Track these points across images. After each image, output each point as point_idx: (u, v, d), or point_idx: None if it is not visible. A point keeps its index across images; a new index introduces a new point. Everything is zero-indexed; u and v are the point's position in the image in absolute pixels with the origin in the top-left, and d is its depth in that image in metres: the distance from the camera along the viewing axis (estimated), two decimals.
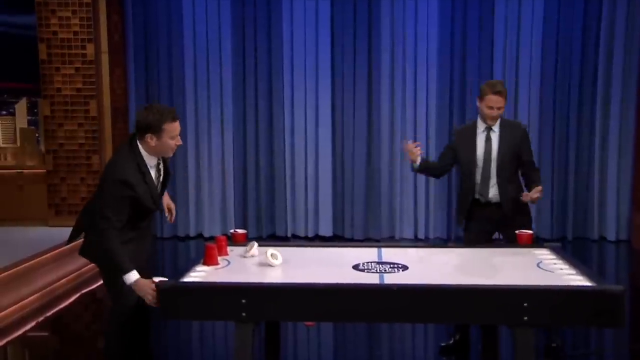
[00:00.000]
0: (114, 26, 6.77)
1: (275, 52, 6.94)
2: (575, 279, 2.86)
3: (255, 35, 6.95)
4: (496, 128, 3.79)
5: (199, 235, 7.21)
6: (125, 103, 7.08)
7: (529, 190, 3.73)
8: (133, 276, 2.92)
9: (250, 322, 2.74)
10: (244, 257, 3.27)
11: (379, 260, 3.26)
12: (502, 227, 3.84)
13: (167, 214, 3.41)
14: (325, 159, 7.03)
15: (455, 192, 6.92)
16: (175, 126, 3.02)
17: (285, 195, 7.08)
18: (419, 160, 3.86)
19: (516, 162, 3.79)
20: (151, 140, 3.00)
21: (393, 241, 6.79)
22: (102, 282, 3.32)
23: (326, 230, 7.09)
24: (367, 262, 3.20)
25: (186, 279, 2.91)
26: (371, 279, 2.94)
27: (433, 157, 6.90)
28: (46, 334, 4.53)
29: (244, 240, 3.50)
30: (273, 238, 7.06)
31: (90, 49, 6.55)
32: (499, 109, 3.73)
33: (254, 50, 6.96)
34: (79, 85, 6.58)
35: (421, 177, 6.96)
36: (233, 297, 2.73)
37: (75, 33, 6.52)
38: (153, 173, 3.09)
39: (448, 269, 3.15)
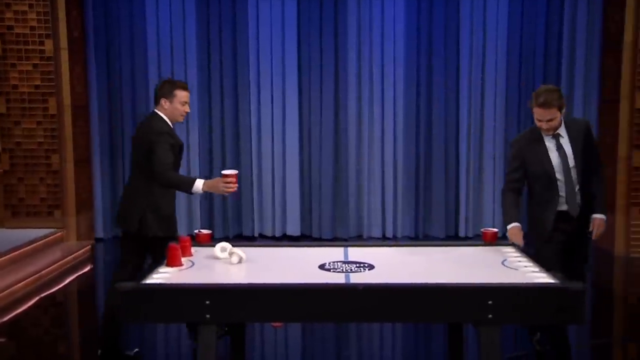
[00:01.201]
0: (74, 22, 6.65)
1: (240, 51, 6.90)
2: (538, 276, 2.91)
3: (220, 33, 6.91)
4: (563, 132, 3.42)
5: None
6: (86, 101, 6.96)
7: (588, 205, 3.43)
8: (199, 183, 3.50)
9: (214, 324, 2.72)
10: (217, 258, 3.24)
11: (345, 260, 3.26)
12: (577, 241, 3.50)
13: None
14: (293, 158, 7.03)
15: (424, 191, 7.00)
16: (185, 94, 3.66)
17: (252, 194, 7.06)
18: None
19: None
20: (165, 103, 3.65)
21: (361, 240, 6.83)
22: (62, 285, 3.33)
23: (294, 229, 7.09)
24: (334, 262, 3.20)
25: (148, 281, 2.87)
26: (337, 278, 2.94)
27: (401, 156, 6.99)
28: (2, 339, 4.42)
29: (209, 241, 3.47)
30: (240, 238, 7.03)
31: (48, 45, 6.42)
32: (549, 121, 3.33)
33: (219, 49, 6.92)
34: (37, 82, 6.45)
35: (389, 176, 7.02)
36: (196, 298, 2.70)
37: (32, 28, 6.37)
38: (176, 133, 3.74)
39: (414, 267, 3.17)
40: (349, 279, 2.93)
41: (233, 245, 3.27)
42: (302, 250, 3.57)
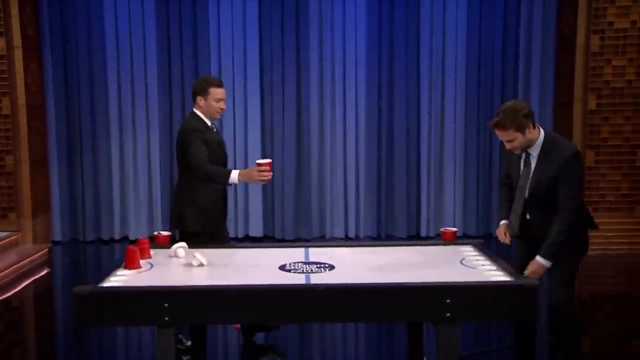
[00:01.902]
0: (27, 19, 6.49)
1: (201, 50, 6.85)
2: (495, 274, 2.97)
3: (180, 32, 6.84)
4: (534, 152, 3.17)
5: (124, 239, 7.03)
6: (42, 100, 6.81)
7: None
8: (234, 174, 3.60)
9: (173, 327, 2.70)
10: (172, 256, 3.21)
11: (306, 261, 3.27)
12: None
13: None
14: (255, 158, 6.98)
15: (386, 192, 7.07)
16: (219, 91, 3.76)
17: None
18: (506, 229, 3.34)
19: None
20: (200, 101, 3.76)
21: (324, 241, 6.85)
22: (18, 289, 3.25)
23: (256, 230, 7.07)
24: (294, 263, 3.20)
25: (106, 284, 2.83)
26: (297, 279, 2.95)
27: (363, 157, 7.04)
28: None
29: (168, 243, 3.44)
30: None
31: (1, 43, 6.25)
32: (509, 141, 3.13)
33: (180, 48, 6.86)
34: None
35: (351, 177, 7.06)
36: (155, 301, 2.67)
37: None
38: (213, 130, 3.83)
39: (374, 267, 3.20)
40: (309, 280, 2.94)
41: (194, 248, 3.25)
42: (263, 251, 3.56)
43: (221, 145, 3.87)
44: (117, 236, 7.02)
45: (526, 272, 3.14)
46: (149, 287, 2.79)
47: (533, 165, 3.19)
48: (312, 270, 3.08)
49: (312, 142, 6.99)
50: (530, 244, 3.28)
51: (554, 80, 6.86)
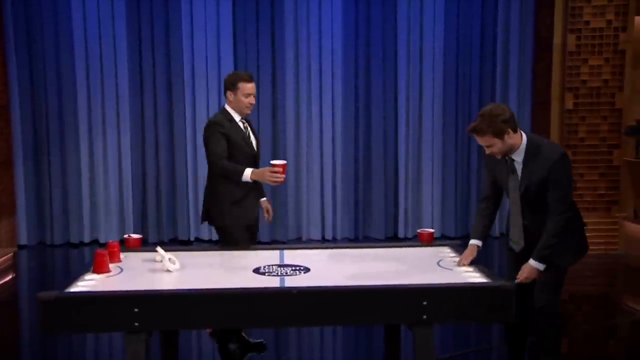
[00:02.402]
0: None
1: (174, 50, 6.79)
2: (472, 276, 3.00)
3: (152, 31, 6.77)
4: (518, 157, 3.12)
5: (94, 242, 6.94)
6: (7, 100, 6.70)
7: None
8: (247, 172, 3.66)
9: (143, 332, 2.67)
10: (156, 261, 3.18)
11: (281, 263, 3.28)
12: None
13: (265, 215, 4.06)
14: None
15: (363, 192, 7.09)
16: (249, 86, 3.77)
17: (187, 197, 6.96)
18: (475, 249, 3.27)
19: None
20: (230, 96, 3.80)
21: (300, 243, 6.84)
22: None
23: None
24: (269, 265, 3.21)
25: (73, 289, 2.79)
26: (271, 282, 2.95)
27: (339, 157, 7.04)
28: None
29: (138, 246, 3.42)
30: (175, 242, 6.92)
31: None
32: (488, 147, 3.10)
33: (151, 47, 6.78)
34: None
35: (328, 178, 7.06)
36: (124, 306, 2.65)
37: None
38: (240, 126, 3.83)
39: (350, 270, 3.21)
40: (283, 283, 2.94)
41: (167, 250, 3.22)
42: (238, 254, 3.55)
43: (248, 141, 3.84)
44: (86, 239, 6.93)
45: (519, 277, 3.10)
46: (118, 291, 2.76)
47: (519, 172, 3.14)
48: (286, 273, 3.08)
49: (287, 142, 6.98)
50: (521, 256, 3.23)
51: (531, 80, 6.95)
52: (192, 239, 7.00)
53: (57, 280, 6.08)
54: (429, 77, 7.01)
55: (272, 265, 3.22)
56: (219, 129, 3.73)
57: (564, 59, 6.40)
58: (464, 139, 7.08)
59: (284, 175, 3.59)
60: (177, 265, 3.11)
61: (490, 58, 6.99)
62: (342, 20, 6.89)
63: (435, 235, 3.90)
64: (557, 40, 6.42)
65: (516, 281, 3.06)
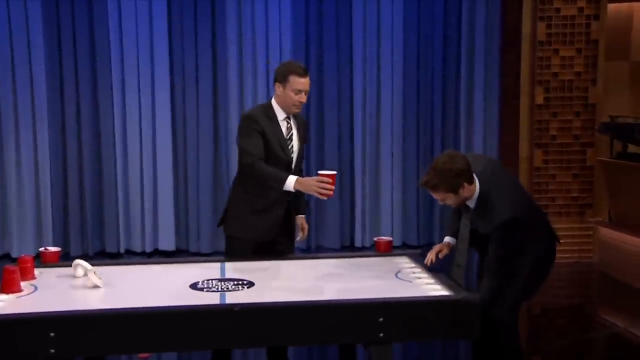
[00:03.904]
0: None
1: (99, 45, 6.67)
2: (433, 288, 3.04)
3: (73, 28, 6.63)
4: (471, 204, 3.27)
5: (5, 256, 6.75)
6: None
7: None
8: (291, 179, 3.49)
9: None
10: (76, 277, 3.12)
11: (222, 277, 3.26)
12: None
13: (298, 233, 3.90)
14: (165, 163, 6.88)
15: (317, 198, 7.06)
16: (301, 81, 3.59)
17: (116, 205, 6.84)
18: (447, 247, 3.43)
19: None
20: (278, 89, 3.64)
21: None
22: None
23: (167, 244, 6.95)
24: (208, 280, 3.19)
25: None
26: (210, 299, 2.93)
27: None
28: None
29: (56, 260, 3.35)
30: (102, 255, 6.79)
31: None
32: (442, 200, 3.23)
33: (72, 44, 6.64)
34: None
35: None
36: (38, 330, 2.59)
37: None
38: (283, 126, 3.67)
39: (299, 283, 3.22)
40: (224, 299, 2.93)
41: (92, 265, 3.17)
42: (173, 268, 3.54)
43: (284, 144, 3.65)
44: None
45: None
46: (31, 313, 2.69)
47: (469, 221, 3.27)
48: (227, 288, 3.06)
49: (230, 145, 6.90)
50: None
51: (499, 74, 7.04)
52: (122, 251, 6.88)
53: None
54: (387, 82, 7.03)
55: (212, 279, 3.20)
56: (253, 125, 3.57)
57: (534, 48, 6.56)
58: (427, 140, 7.14)
59: (333, 187, 3.43)
60: (99, 283, 3.05)
61: (455, 47, 7.06)
62: (291, 17, 6.87)
63: (395, 244, 3.95)
64: (525, 29, 6.57)
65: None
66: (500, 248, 3.17)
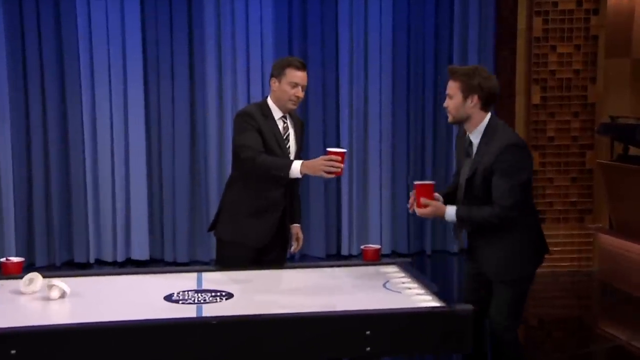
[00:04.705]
0: None
1: (67, 39, 6.66)
2: (423, 299, 3.04)
3: (38, 21, 6.60)
4: (476, 139, 3.29)
5: None
6: None
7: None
8: (297, 164, 3.46)
9: None
10: (23, 293, 3.09)
11: (199, 289, 3.26)
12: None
13: (293, 242, 3.92)
14: (138, 167, 6.86)
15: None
16: (298, 74, 3.62)
17: (85, 211, 6.81)
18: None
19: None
20: (274, 84, 3.68)
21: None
22: None
23: (141, 253, 6.92)
24: (183, 292, 3.19)
25: None
26: (186, 311, 2.93)
27: None
28: None
29: (19, 272, 3.32)
30: (70, 265, 6.76)
31: None
32: (448, 96, 3.33)
33: (37, 39, 6.62)
34: None
35: None
36: None
37: None
38: (279, 124, 3.70)
39: (281, 294, 3.22)
40: (201, 312, 2.92)
41: (60, 276, 3.15)
42: (146, 279, 3.53)
43: (282, 143, 3.67)
44: None
45: (420, 210, 3.31)
46: None
47: (473, 155, 3.28)
48: (205, 300, 3.06)
49: (209, 147, 6.92)
50: (475, 274, 3.40)
51: (493, 71, 7.00)
52: (92, 261, 6.86)
53: None
54: (376, 80, 7.07)
55: (188, 290, 3.19)
56: (248, 120, 3.61)
57: (530, 46, 6.60)
58: (417, 143, 7.18)
59: (342, 166, 3.38)
60: (68, 294, 3.03)
61: (447, 42, 7.10)
62: (273, 8, 6.88)
63: (383, 252, 3.94)
64: (521, 25, 6.61)
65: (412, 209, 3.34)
66: (504, 177, 3.13)
